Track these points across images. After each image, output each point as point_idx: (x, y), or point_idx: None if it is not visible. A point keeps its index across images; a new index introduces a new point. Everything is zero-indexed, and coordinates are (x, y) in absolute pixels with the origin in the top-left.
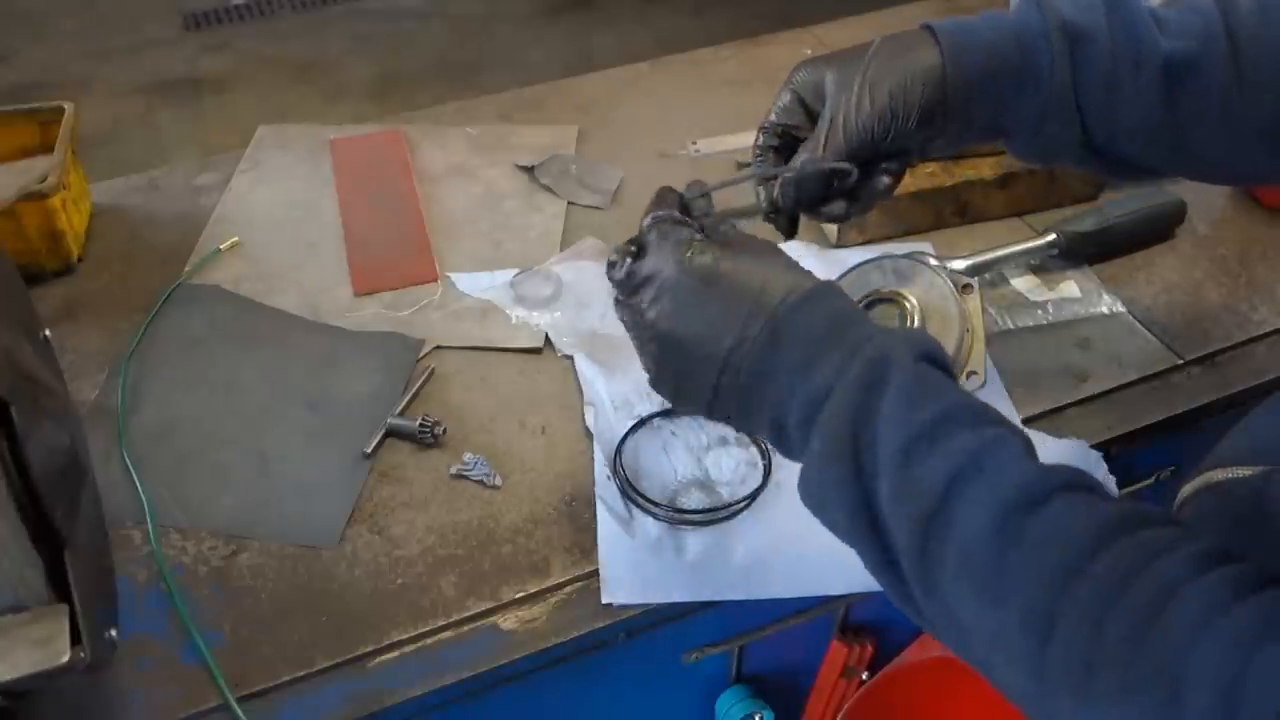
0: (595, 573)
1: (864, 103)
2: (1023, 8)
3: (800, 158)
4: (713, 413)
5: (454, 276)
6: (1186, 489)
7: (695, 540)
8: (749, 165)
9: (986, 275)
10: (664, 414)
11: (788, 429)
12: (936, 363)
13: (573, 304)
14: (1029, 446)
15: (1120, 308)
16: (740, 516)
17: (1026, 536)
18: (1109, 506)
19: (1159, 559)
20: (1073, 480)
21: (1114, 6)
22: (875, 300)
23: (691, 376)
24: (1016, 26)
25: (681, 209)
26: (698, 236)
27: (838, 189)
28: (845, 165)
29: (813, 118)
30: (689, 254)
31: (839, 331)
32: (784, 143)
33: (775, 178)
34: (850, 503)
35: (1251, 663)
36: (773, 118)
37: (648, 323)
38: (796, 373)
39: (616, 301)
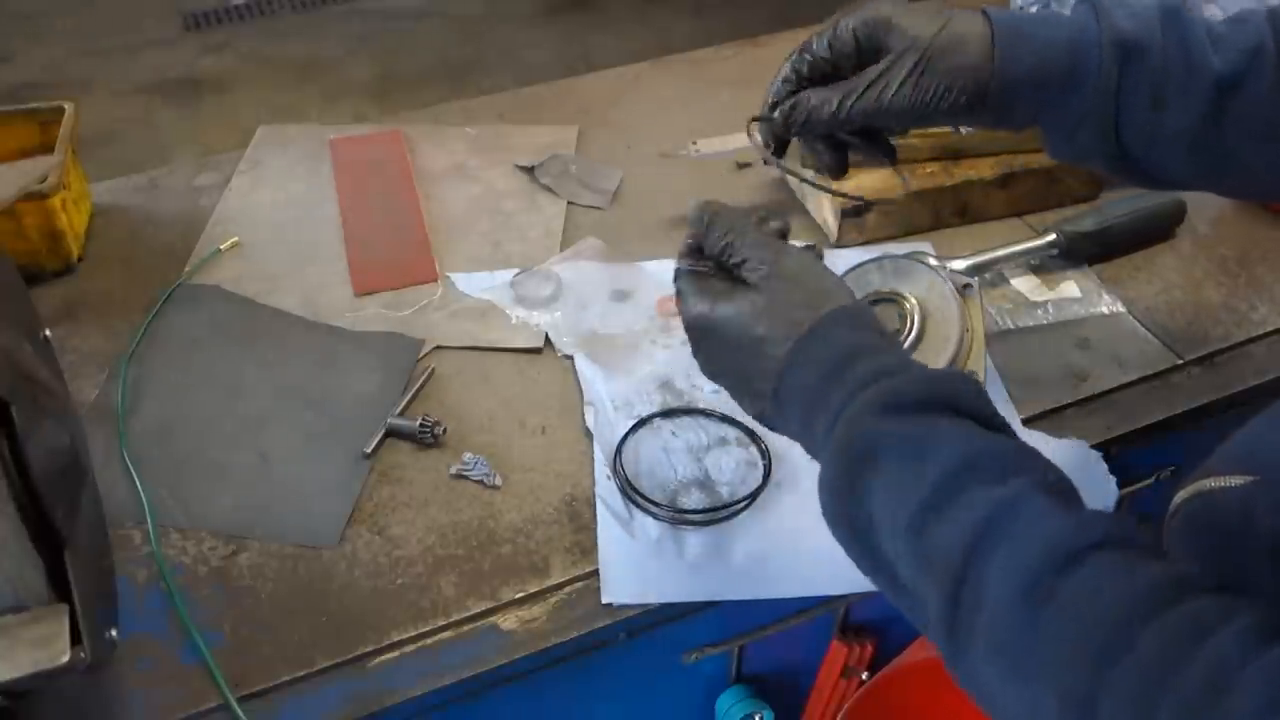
0: (595, 573)
1: (909, 83)
2: (1080, 11)
3: (823, 97)
4: (772, 425)
5: (454, 276)
6: (1179, 496)
7: (695, 540)
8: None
9: (986, 275)
10: (664, 414)
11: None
12: (940, 403)
13: (573, 304)
14: (1055, 489)
15: (1120, 308)
16: (740, 516)
17: (1060, 606)
18: (1149, 570)
19: (1211, 636)
20: (1106, 536)
21: (1170, 21)
22: (875, 300)
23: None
24: (1072, 32)
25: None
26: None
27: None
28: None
29: (860, 63)
30: (709, 306)
31: (839, 371)
32: (817, 76)
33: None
34: (859, 558)
35: None
36: (824, 47)
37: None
38: (814, 406)
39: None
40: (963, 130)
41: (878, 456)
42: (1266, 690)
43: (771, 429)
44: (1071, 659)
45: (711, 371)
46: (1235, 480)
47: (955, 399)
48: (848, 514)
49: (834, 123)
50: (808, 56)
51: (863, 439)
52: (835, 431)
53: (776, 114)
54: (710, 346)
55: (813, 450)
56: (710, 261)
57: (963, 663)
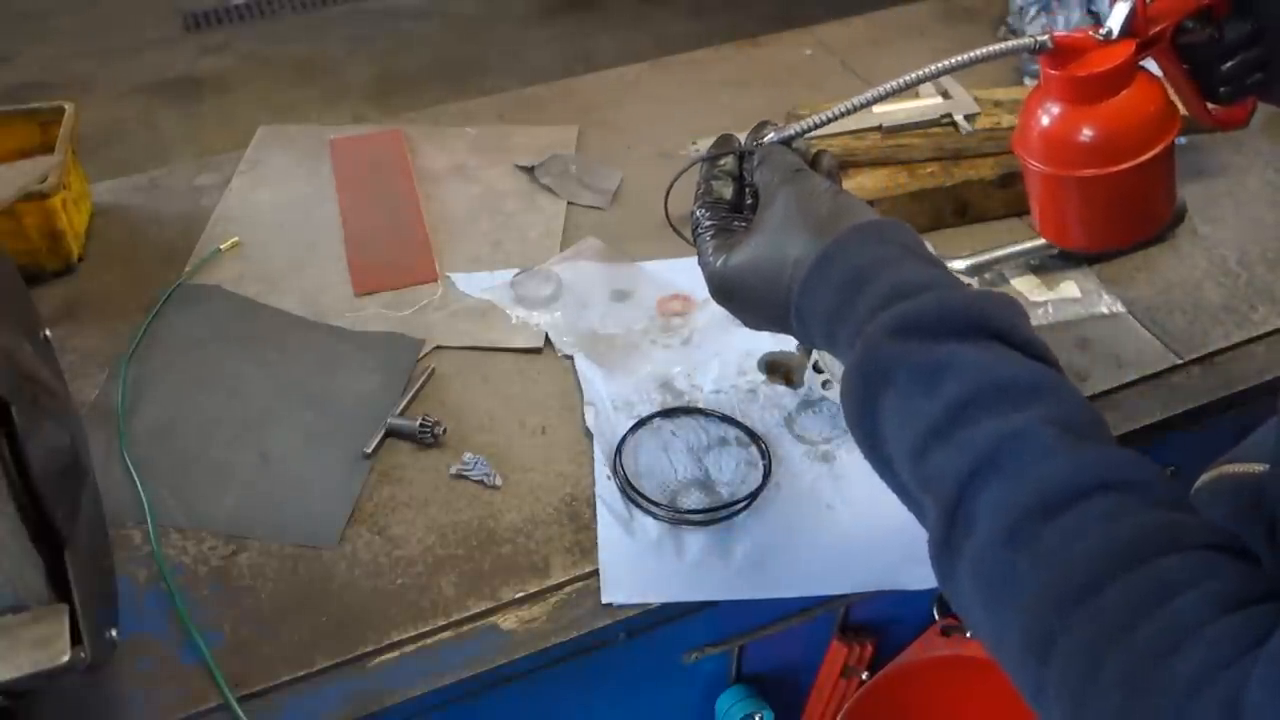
0: (595, 573)
1: None
2: None
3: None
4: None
5: (454, 276)
6: (1201, 479)
7: (695, 540)
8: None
9: (986, 275)
10: (664, 414)
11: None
12: (962, 323)
13: (573, 304)
14: (1065, 424)
15: (1120, 308)
16: (740, 516)
17: (1039, 550)
18: (1137, 520)
19: (1176, 597)
20: (1106, 478)
21: None
22: None
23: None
24: None
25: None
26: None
27: None
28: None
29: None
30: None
31: (843, 308)
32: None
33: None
34: (888, 481)
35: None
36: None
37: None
38: (834, 319)
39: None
40: (962, 130)
41: (892, 380)
42: (1208, 656)
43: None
44: (1039, 599)
45: (742, 318)
46: (1257, 467)
47: (984, 320)
48: (863, 428)
49: None
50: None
51: (876, 361)
52: (855, 350)
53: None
54: (729, 290)
55: (842, 360)
56: (725, 205)
57: (949, 583)
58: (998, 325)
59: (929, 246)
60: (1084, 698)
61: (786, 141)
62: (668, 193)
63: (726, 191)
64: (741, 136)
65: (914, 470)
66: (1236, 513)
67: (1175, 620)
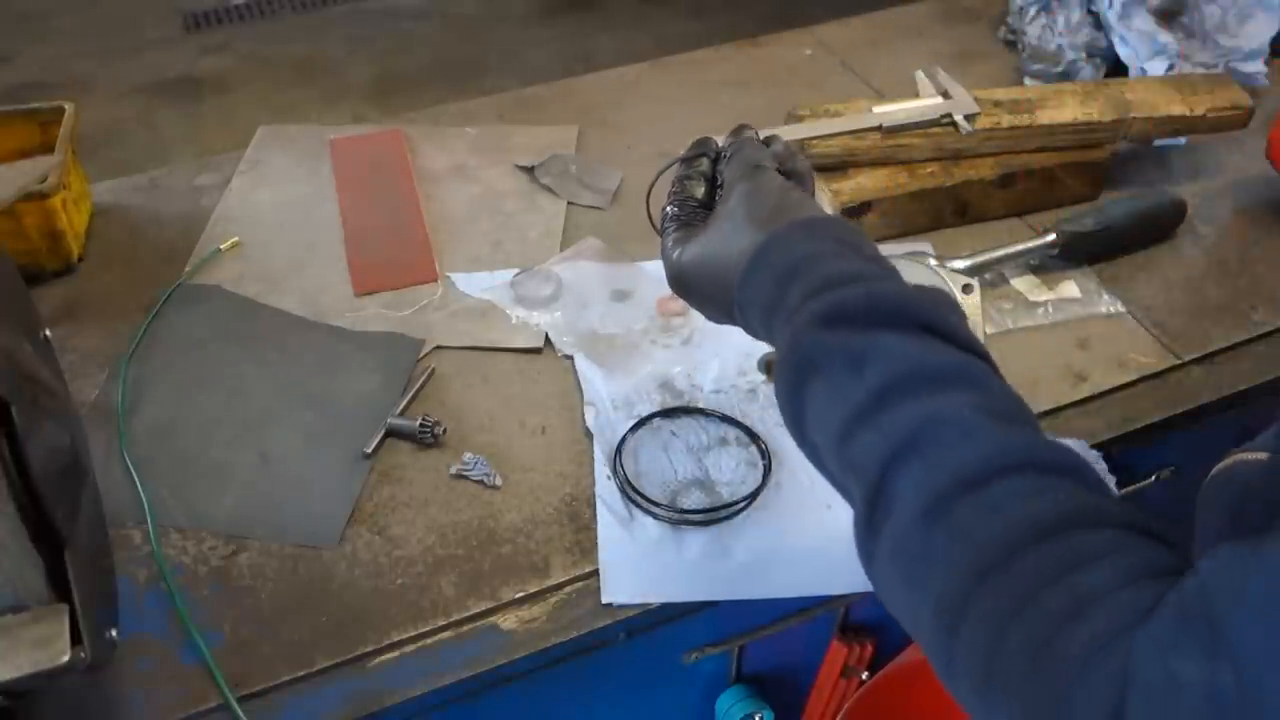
0: (595, 573)
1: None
2: None
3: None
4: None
5: (454, 276)
6: (1217, 466)
7: (695, 540)
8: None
9: (986, 275)
10: (664, 414)
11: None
12: (888, 310)
13: (573, 304)
14: (988, 407)
15: (1120, 308)
16: (740, 516)
17: (953, 525)
18: (1056, 498)
19: (1082, 568)
20: (1029, 460)
21: None
22: None
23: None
24: None
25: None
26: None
27: None
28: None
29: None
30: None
31: (778, 297)
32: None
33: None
34: (818, 468)
35: (1132, 689)
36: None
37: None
38: (765, 337)
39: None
40: (962, 130)
41: (818, 367)
42: (1109, 623)
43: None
44: (950, 574)
45: (700, 310)
46: (1264, 455)
47: (912, 311)
48: (792, 415)
49: None
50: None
51: (802, 349)
52: (785, 338)
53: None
54: (685, 283)
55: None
56: (694, 201)
57: (871, 565)
58: (928, 317)
59: (930, 246)
60: (990, 667)
61: (767, 142)
62: (648, 195)
63: (699, 190)
64: (720, 139)
65: (839, 455)
66: (1241, 499)
67: (1083, 588)
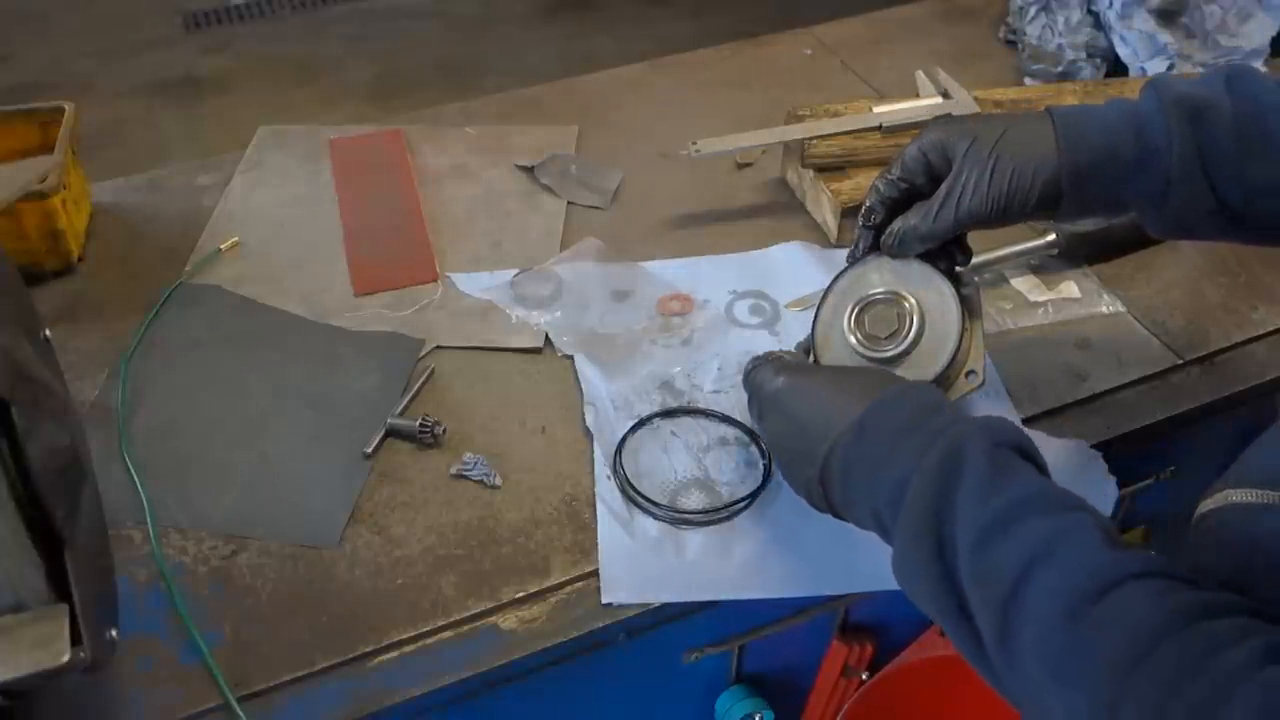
0: (595, 573)
1: (982, 186)
2: (1143, 91)
3: (910, 222)
4: (817, 504)
5: (454, 276)
6: (1205, 506)
7: (695, 540)
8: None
9: (986, 275)
10: (664, 414)
11: (882, 516)
12: (1016, 448)
13: (573, 304)
14: (1107, 530)
15: (1120, 308)
16: (740, 516)
17: (1096, 622)
18: (1178, 594)
19: (1223, 651)
20: (1147, 568)
21: (1235, 77)
22: (874, 300)
23: (799, 471)
24: (1133, 108)
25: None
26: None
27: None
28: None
29: (934, 178)
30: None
31: (918, 422)
32: (901, 196)
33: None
34: (934, 581)
35: None
36: (898, 172)
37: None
38: (880, 465)
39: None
40: None
41: (964, 475)
42: (1264, 700)
43: (818, 506)
44: (1100, 668)
45: (771, 443)
46: (1268, 495)
47: (1022, 445)
48: (934, 534)
49: (924, 241)
50: (895, 184)
51: (952, 459)
52: (941, 442)
53: (874, 239)
54: (775, 418)
55: (866, 513)
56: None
57: (1011, 672)
58: (1030, 451)
59: None
60: None
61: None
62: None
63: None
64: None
65: (974, 563)
66: (1250, 553)
67: (1227, 670)
